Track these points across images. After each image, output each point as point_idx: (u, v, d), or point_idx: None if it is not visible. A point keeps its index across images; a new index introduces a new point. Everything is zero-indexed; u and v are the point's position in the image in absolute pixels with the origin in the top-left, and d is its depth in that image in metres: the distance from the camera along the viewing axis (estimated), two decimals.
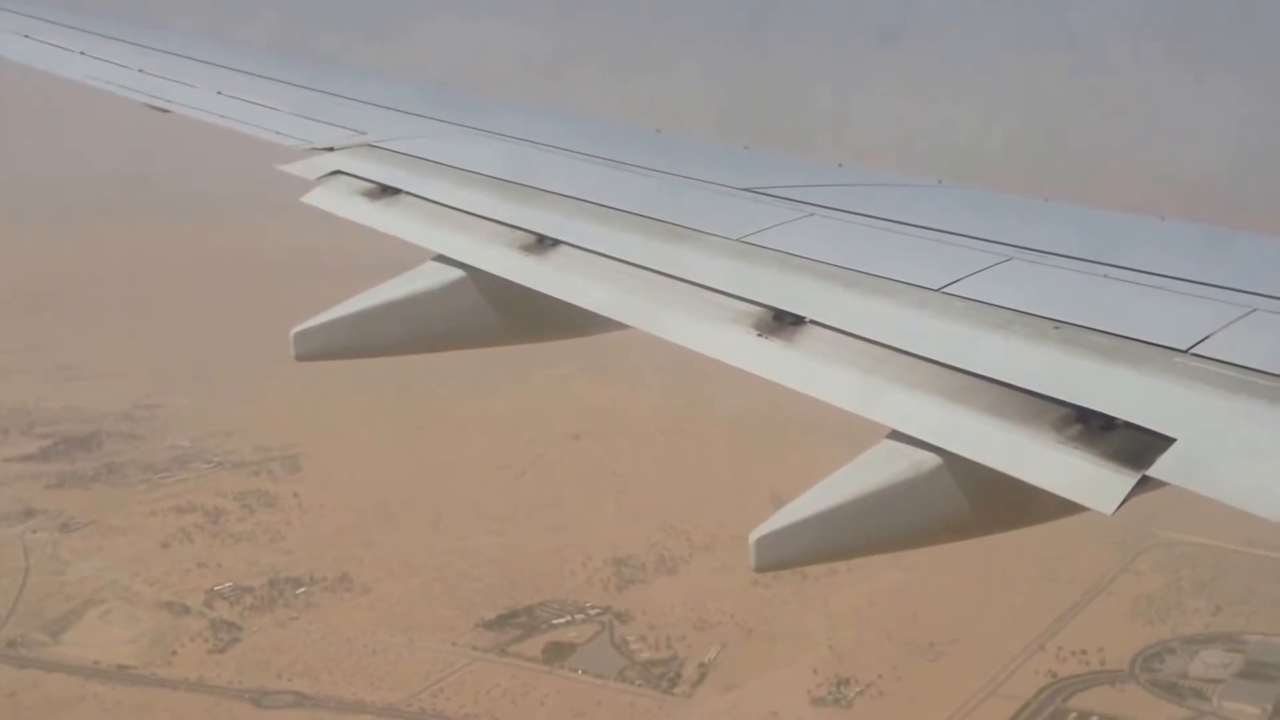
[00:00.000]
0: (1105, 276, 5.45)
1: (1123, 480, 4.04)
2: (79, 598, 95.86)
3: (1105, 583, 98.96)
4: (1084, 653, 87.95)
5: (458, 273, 6.88)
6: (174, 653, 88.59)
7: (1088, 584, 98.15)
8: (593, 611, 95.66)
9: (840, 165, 8.15)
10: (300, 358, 6.65)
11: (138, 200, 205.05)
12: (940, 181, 7.89)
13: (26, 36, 12.49)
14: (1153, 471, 4.02)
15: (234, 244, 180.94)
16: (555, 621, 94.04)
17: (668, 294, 5.96)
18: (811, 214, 6.67)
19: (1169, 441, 4.09)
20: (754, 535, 4.68)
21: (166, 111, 10.22)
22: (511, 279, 6.58)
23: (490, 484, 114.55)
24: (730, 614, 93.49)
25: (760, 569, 4.73)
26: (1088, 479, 4.13)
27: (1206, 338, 4.61)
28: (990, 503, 4.80)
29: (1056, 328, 4.92)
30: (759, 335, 5.42)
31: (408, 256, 7.01)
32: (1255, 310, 4.88)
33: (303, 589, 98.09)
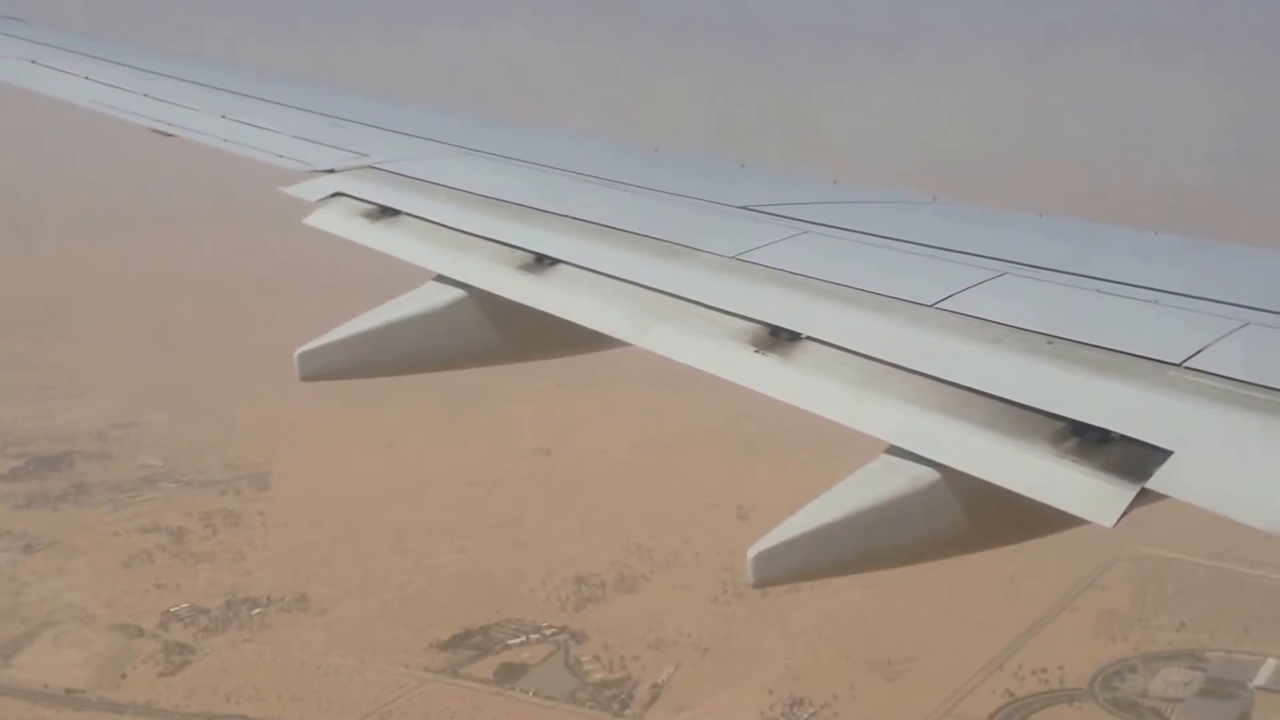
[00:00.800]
0: (1099, 291, 5.53)
1: (1122, 492, 4.09)
2: (34, 620, 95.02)
3: (1070, 598, 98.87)
4: (1044, 671, 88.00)
5: (458, 292, 6.93)
6: (124, 676, 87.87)
7: (1052, 600, 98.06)
8: (549, 631, 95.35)
9: (835, 182, 8.26)
10: (304, 378, 6.67)
11: (137, 222, 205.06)
12: (935, 199, 8.02)
13: (33, 62, 12.58)
14: (1150, 484, 4.07)
15: (233, 264, 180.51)
16: (510, 642, 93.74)
17: (665, 311, 6.01)
18: (807, 231, 6.76)
19: (1165, 454, 4.14)
20: (752, 550, 4.68)
21: (171, 135, 10.27)
22: (511, 298, 6.64)
23: (457, 501, 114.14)
24: (687, 633, 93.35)
25: (759, 584, 4.75)
26: (1086, 492, 4.17)
27: (1200, 351, 4.67)
28: (989, 517, 4.82)
29: (1050, 342, 4.97)
30: (756, 351, 5.46)
31: (408, 277, 7.08)
32: (1249, 324, 4.96)
33: (259, 609, 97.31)
